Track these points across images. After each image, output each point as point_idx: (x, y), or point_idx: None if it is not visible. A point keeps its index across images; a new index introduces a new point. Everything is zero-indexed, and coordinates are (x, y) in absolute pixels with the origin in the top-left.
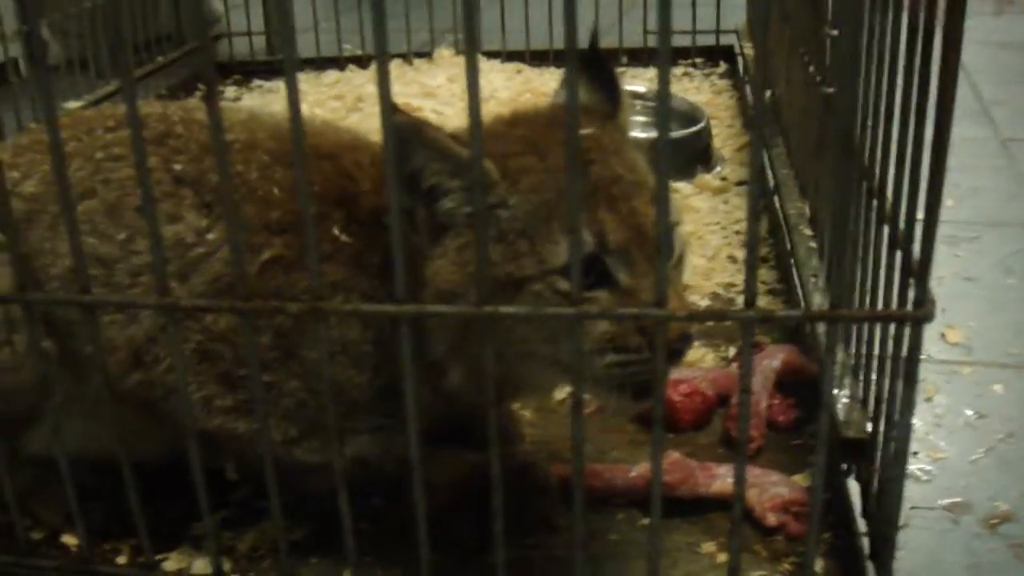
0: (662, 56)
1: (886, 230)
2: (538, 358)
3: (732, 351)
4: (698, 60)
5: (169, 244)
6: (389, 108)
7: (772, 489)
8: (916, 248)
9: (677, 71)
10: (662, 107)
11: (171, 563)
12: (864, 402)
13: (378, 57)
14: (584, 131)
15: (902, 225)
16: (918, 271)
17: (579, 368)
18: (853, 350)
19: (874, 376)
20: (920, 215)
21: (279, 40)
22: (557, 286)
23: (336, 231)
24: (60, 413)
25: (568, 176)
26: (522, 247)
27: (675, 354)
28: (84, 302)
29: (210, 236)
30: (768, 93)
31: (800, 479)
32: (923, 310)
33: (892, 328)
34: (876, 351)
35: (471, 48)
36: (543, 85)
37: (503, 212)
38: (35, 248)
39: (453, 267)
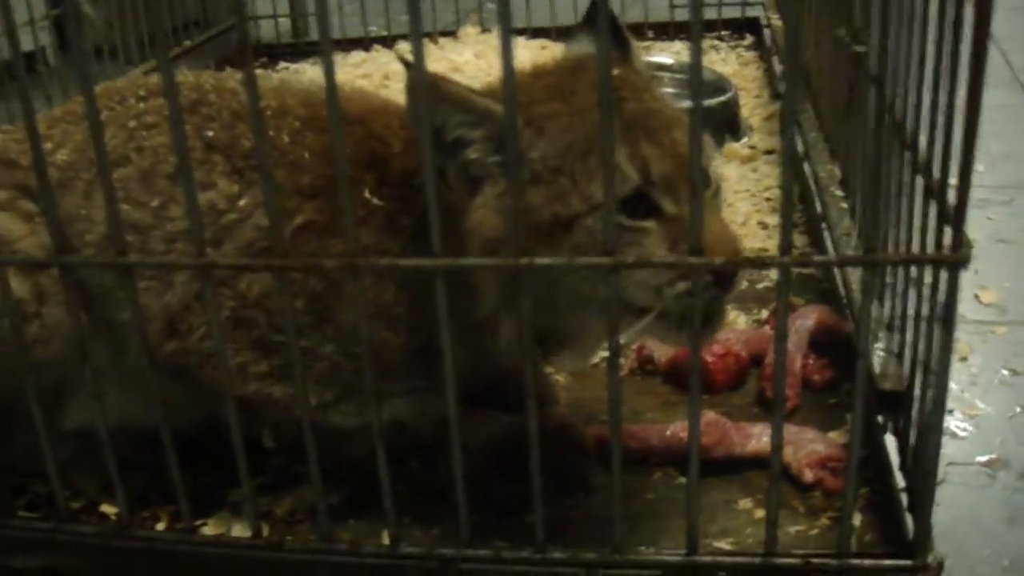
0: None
1: (920, 182)
2: (591, 305)
3: (765, 313)
4: (724, 33)
5: (202, 211)
6: (421, 63)
7: (808, 446)
8: (950, 195)
9: (704, 44)
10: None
11: (210, 528)
12: (900, 355)
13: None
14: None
15: (936, 174)
16: (954, 215)
17: (616, 317)
18: (888, 305)
19: (910, 328)
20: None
21: (304, 22)
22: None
23: (368, 194)
24: (100, 380)
25: (602, 112)
26: (564, 186)
27: (727, 282)
28: (122, 263)
29: (242, 202)
30: None
31: (836, 436)
32: (959, 253)
33: (928, 278)
34: (911, 303)
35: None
36: None
37: (533, 155)
38: (70, 215)
39: (496, 215)
